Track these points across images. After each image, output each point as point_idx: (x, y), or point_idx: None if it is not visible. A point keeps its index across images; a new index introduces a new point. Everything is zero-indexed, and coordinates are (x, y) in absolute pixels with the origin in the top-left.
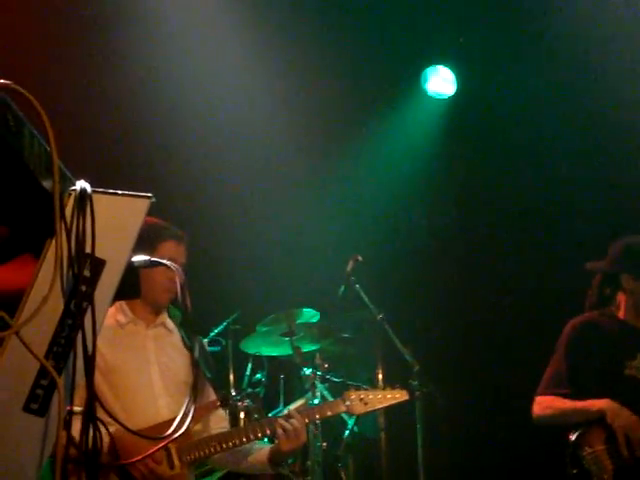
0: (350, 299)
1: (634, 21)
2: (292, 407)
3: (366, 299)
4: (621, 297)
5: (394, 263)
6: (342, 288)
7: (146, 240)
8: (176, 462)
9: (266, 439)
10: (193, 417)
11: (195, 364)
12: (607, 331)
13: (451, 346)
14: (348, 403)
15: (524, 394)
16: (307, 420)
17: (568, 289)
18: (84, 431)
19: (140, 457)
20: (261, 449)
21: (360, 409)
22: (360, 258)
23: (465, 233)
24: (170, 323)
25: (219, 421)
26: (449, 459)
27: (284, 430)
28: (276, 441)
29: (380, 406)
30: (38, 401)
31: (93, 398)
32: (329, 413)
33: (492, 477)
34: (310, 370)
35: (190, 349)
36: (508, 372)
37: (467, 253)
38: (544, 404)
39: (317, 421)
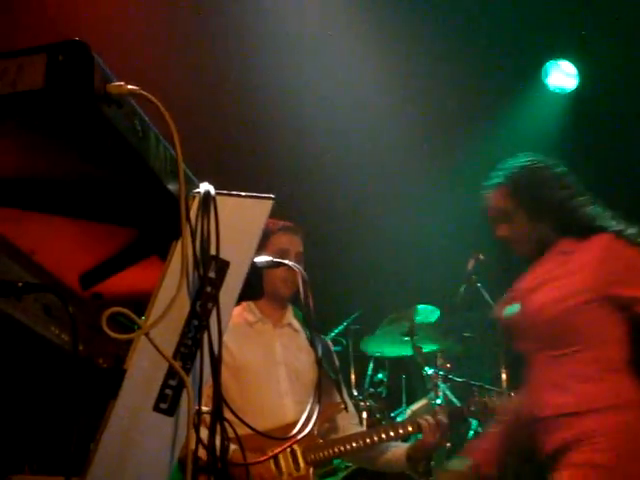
0: (471, 298)
1: None
2: (414, 407)
3: (488, 298)
4: None
5: (516, 262)
6: (462, 287)
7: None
8: (302, 464)
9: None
10: (318, 418)
11: (318, 363)
12: None
13: None
14: (473, 408)
15: None
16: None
17: None
18: (212, 432)
19: (266, 457)
20: (397, 447)
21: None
22: (482, 256)
23: None
24: (296, 323)
25: (349, 418)
26: None
27: (429, 424)
28: (417, 439)
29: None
30: (167, 401)
31: (220, 400)
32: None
33: None
34: (432, 370)
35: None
36: None
37: None
38: None
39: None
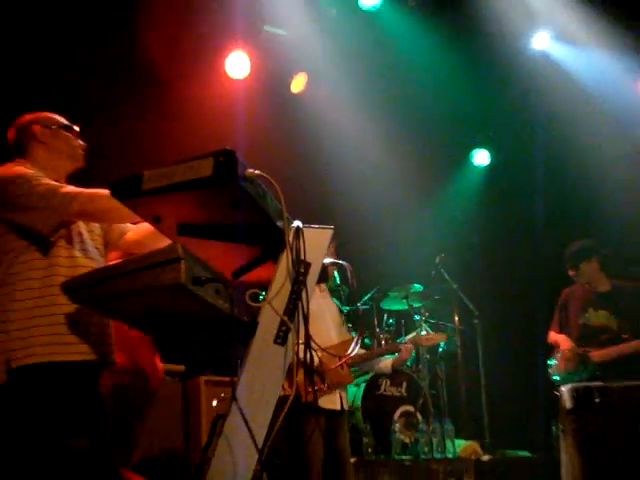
0: (438, 278)
1: None
2: (408, 337)
3: (447, 277)
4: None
5: (459, 259)
6: (433, 272)
7: None
8: (345, 367)
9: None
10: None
11: (359, 316)
12: (575, 295)
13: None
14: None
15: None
16: (414, 345)
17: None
18: (305, 353)
19: (339, 363)
20: (387, 359)
21: (427, 344)
22: (442, 256)
23: (499, 245)
24: (327, 291)
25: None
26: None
27: (404, 347)
28: (397, 355)
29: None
30: (281, 337)
31: (308, 336)
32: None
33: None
34: (418, 317)
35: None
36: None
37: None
38: (550, 336)
39: (422, 346)
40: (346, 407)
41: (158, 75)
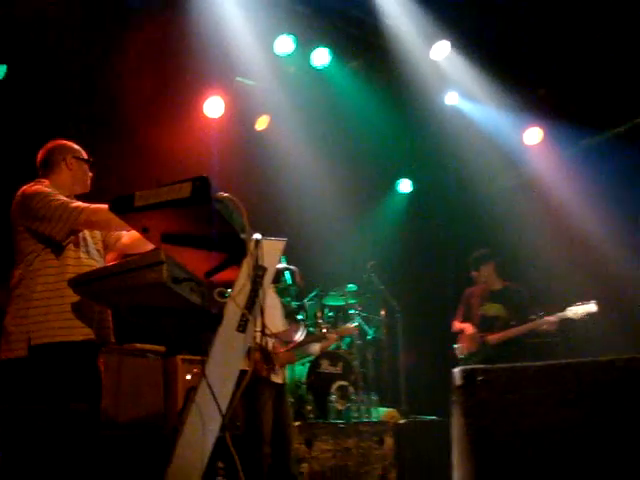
0: (368, 280)
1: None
2: (343, 327)
3: (376, 280)
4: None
5: (386, 266)
6: (365, 276)
7: None
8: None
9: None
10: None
11: (305, 310)
12: (476, 292)
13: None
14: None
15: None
16: (343, 334)
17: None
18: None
19: (290, 346)
20: (316, 345)
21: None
22: (373, 263)
23: (423, 254)
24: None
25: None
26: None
27: (332, 336)
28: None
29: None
30: (242, 326)
31: (264, 325)
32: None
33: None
34: (353, 311)
35: (295, 303)
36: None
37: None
38: (454, 325)
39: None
40: (284, 381)
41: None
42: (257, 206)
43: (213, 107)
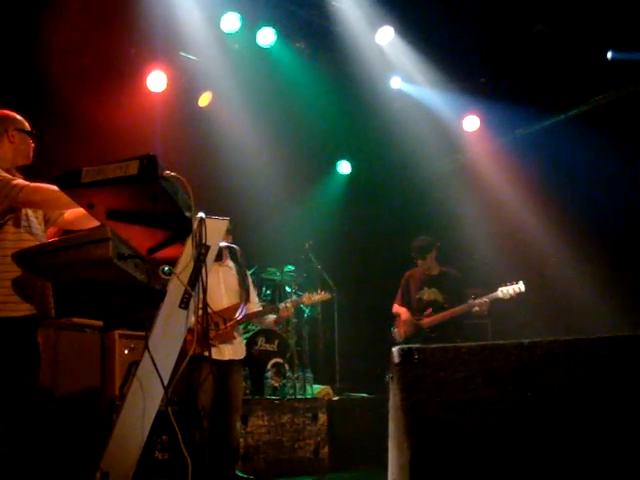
0: (305, 259)
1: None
2: (288, 300)
3: (313, 259)
4: (419, 263)
5: (323, 246)
6: (303, 256)
7: None
8: (229, 326)
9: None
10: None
11: (243, 284)
12: (414, 276)
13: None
14: (303, 299)
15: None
16: (294, 305)
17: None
18: (203, 316)
19: (229, 325)
20: (271, 317)
21: (309, 302)
22: (311, 242)
23: (360, 238)
24: (231, 263)
25: (252, 307)
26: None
27: (284, 308)
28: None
29: (319, 300)
30: (184, 302)
31: (205, 303)
32: (300, 303)
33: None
34: (290, 289)
35: (241, 277)
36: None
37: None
38: (394, 308)
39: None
40: (233, 357)
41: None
42: (198, 183)
43: (156, 81)
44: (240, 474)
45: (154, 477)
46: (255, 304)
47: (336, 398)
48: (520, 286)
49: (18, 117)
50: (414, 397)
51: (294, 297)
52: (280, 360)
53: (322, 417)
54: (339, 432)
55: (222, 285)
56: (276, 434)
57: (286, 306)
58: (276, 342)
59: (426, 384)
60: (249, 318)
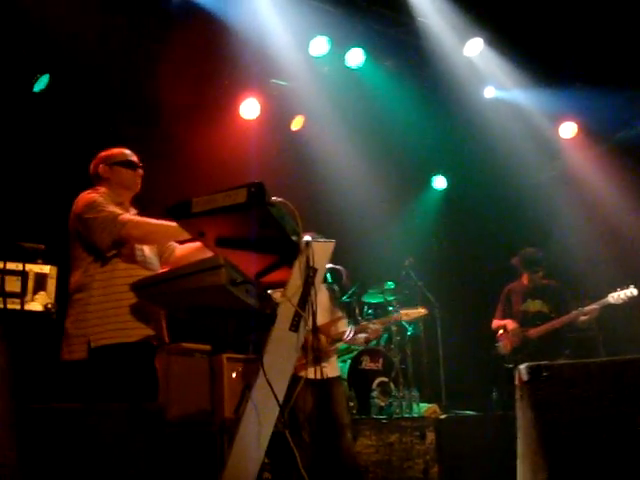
0: (407, 277)
1: None
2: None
3: (414, 276)
4: (524, 276)
5: (423, 262)
6: (403, 272)
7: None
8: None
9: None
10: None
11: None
12: (516, 289)
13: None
14: (401, 316)
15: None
16: (384, 323)
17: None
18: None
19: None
20: (361, 337)
21: (407, 318)
22: (411, 259)
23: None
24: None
25: (344, 325)
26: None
27: (372, 330)
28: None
29: (417, 315)
30: (294, 325)
31: (315, 325)
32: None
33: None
34: (391, 308)
35: (332, 294)
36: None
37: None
38: (494, 323)
39: (395, 322)
40: (331, 375)
41: (182, 118)
42: (295, 206)
43: (249, 109)
44: None
45: None
46: (344, 323)
47: (444, 416)
48: (632, 290)
49: (120, 151)
50: (547, 415)
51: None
52: (385, 379)
53: (430, 436)
54: (448, 451)
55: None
56: (384, 454)
57: (376, 326)
58: (380, 361)
59: (558, 401)
60: (340, 337)
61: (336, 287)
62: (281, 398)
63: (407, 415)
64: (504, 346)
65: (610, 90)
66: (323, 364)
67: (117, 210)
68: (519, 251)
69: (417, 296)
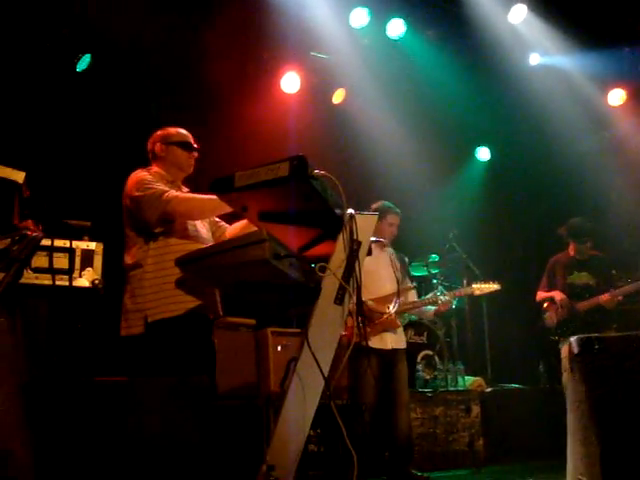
0: (450, 249)
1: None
2: (444, 295)
3: (458, 248)
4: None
5: (467, 234)
6: (447, 245)
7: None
8: (393, 313)
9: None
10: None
11: (403, 269)
12: (562, 261)
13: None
14: (473, 290)
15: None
16: (455, 296)
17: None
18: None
19: (387, 314)
20: (430, 309)
21: (479, 292)
22: (455, 231)
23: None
24: (391, 249)
25: (413, 296)
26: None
27: (443, 300)
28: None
29: (489, 291)
30: (339, 298)
31: (360, 299)
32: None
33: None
34: (436, 281)
35: (400, 263)
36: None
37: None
38: (538, 295)
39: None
40: (396, 346)
41: (226, 95)
42: (341, 178)
43: (290, 83)
44: (415, 473)
45: (309, 469)
46: (413, 294)
47: (489, 389)
48: None
49: (177, 131)
50: (600, 389)
51: (440, 289)
52: (430, 352)
53: (475, 409)
54: (493, 424)
55: (383, 270)
56: (430, 427)
57: (447, 298)
58: (425, 334)
59: (611, 375)
60: (412, 307)
61: (406, 258)
62: (327, 370)
63: (452, 388)
64: (550, 318)
65: None
66: (389, 333)
67: (164, 188)
68: (566, 221)
69: (461, 269)
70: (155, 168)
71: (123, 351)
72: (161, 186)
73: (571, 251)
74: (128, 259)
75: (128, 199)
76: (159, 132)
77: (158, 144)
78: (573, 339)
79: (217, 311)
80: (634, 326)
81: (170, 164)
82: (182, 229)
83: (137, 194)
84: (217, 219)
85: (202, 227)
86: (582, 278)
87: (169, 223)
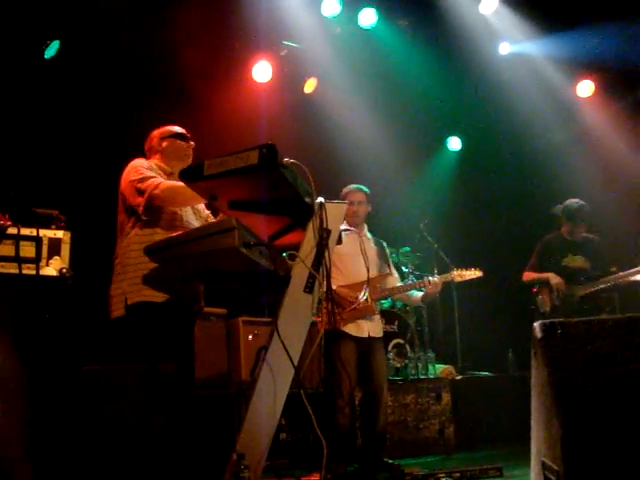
0: (421, 239)
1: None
2: (437, 276)
3: (429, 239)
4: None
5: (437, 224)
6: (418, 235)
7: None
8: (369, 299)
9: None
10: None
11: (381, 256)
12: (555, 242)
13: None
14: (454, 277)
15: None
16: (443, 281)
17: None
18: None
19: (355, 301)
20: (418, 294)
21: (460, 279)
22: (426, 221)
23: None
24: (369, 234)
25: (394, 281)
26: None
27: (431, 284)
28: (425, 291)
29: (470, 277)
30: (309, 287)
31: (330, 287)
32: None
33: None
34: (407, 269)
35: (379, 248)
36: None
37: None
38: (526, 275)
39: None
40: (374, 334)
41: (197, 84)
42: (309, 168)
43: (261, 72)
44: (387, 460)
45: (279, 458)
46: (396, 278)
47: (459, 377)
48: None
49: (172, 127)
50: (562, 372)
51: (411, 277)
52: (401, 341)
53: (446, 397)
54: (464, 411)
55: (362, 255)
56: (401, 414)
57: (435, 282)
58: (396, 323)
59: (573, 359)
60: (393, 293)
61: (384, 243)
62: (296, 358)
63: (423, 376)
64: (543, 301)
65: (629, 45)
66: (365, 321)
67: (153, 174)
68: (562, 201)
69: (432, 258)
70: (155, 160)
71: (108, 335)
72: (150, 172)
73: (564, 232)
74: (117, 248)
75: (123, 183)
76: (156, 131)
77: (156, 139)
78: (537, 324)
79: (200, 302)
80: (630, 312)
81: (171, 156)
82: (170, 219)
83: (131, 178)
84: (210, 215)
85: (194, 220)
86: (577, 261)
87: (157, 211)
